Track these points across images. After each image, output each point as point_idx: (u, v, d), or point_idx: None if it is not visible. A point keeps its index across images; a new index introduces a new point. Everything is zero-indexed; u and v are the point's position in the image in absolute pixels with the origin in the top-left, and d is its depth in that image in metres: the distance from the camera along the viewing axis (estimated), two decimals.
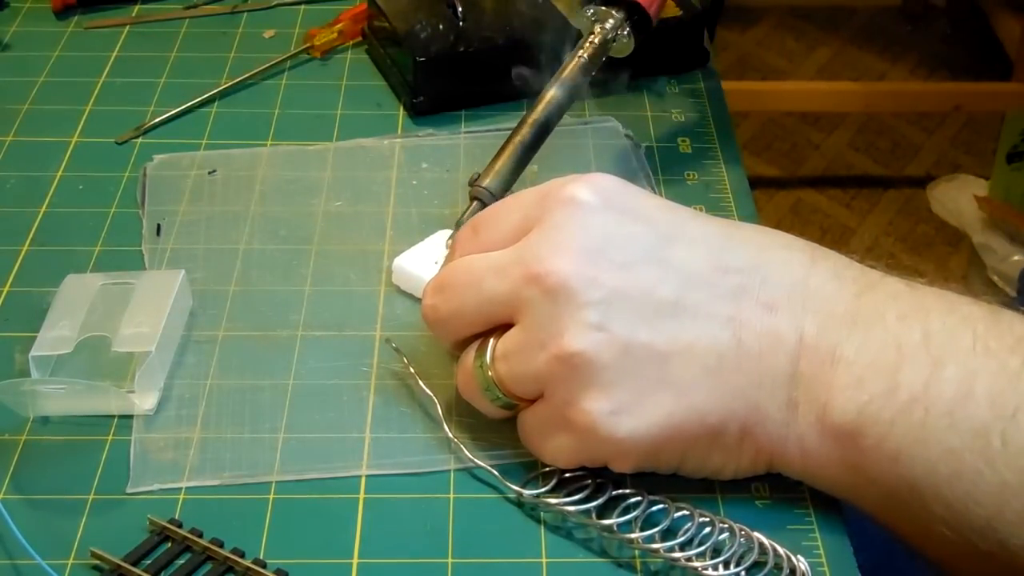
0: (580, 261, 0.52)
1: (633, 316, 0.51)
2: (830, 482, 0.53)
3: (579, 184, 0.54)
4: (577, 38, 0.71)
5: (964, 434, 0.49)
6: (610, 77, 0.73)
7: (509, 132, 0.68)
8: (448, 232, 0.66)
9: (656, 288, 0.52)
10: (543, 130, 0.67)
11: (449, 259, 0.58)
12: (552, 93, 0.68)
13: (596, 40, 0.70)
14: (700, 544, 0.52)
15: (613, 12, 0.70)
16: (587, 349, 0.51)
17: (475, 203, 0.64)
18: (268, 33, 0.87)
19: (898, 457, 0.50)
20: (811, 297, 0.52)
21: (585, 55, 0.69)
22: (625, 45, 0.71)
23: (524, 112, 0.68)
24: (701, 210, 0.70)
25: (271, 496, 0.55)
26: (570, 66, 0.69)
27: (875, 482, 0.51)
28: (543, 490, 0.54)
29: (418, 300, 0.61)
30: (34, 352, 0.59)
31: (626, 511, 0.53)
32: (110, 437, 0.57)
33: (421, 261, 0.65)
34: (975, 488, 0.49)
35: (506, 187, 0.65)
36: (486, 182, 0.65)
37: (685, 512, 0.53)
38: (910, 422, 0.50)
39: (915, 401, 0.50)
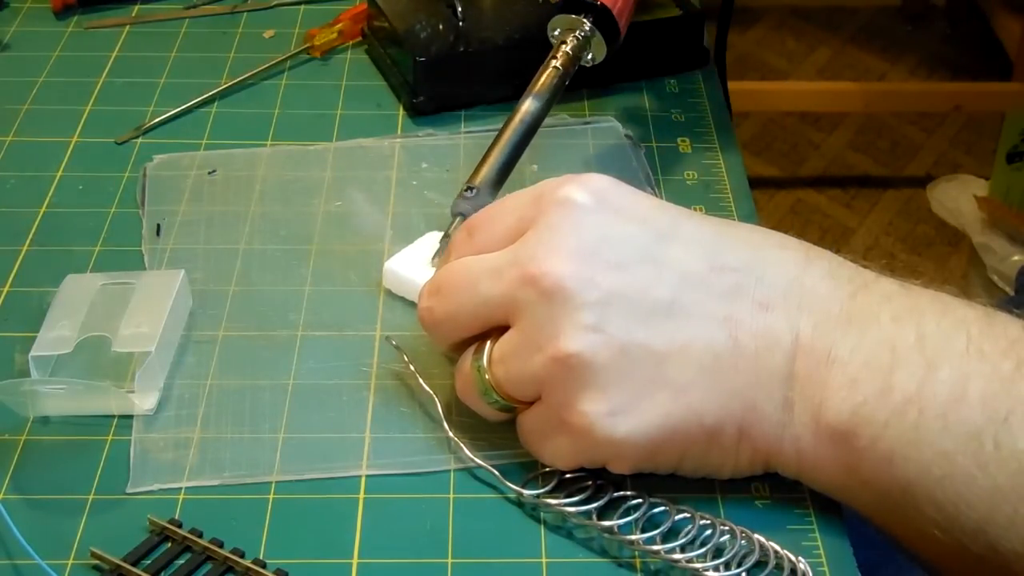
0: (576, 262, 0.51)
1: (629, 316, 0.51)
2: (825, 482, 0.53)
3: (573, 185, 0.54)
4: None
5: (957, 437, 0.49)
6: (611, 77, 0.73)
7: None
8: (438, 234, 0.66)
9: (652, 288, 0.52)
10: (523, 140, 0.68)
11: (445, 261, 0.58)
12: (528, 104, 0.68)
13: (568, 49, 0.70)
14: (702, 545, 0.52)
15: (583, 20, 0.71)
16: (584, 350, 0.50)
17: (458, 219, 0.64)
18: (268, 33, 0.87)
19: (891, 459, 0.50)
20: (806, 296, 0.52)
21: (559, 64, 0.70)
22: (597, 52, 0.72)
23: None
24: (701, 210, 0.70)
25: (271, 496, 0.55)
26: (544, 76, 0.70)
27: (869, 483, 0.51)
28: (543, 491, 0.54)
29: (412, 303, 0.61)
30: (34, 352, 0.59)
31: (627, 512, 0.53)
32: (110, 437, 0.57)
33: (412, 264, 0.64)
34: (967, 491, 0.49)
35: (491, 195, 0.66)
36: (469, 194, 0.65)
37: (686, 514, 0.53)
38: (903, 424, 0.50)
39: (909, 403, 0.50)
